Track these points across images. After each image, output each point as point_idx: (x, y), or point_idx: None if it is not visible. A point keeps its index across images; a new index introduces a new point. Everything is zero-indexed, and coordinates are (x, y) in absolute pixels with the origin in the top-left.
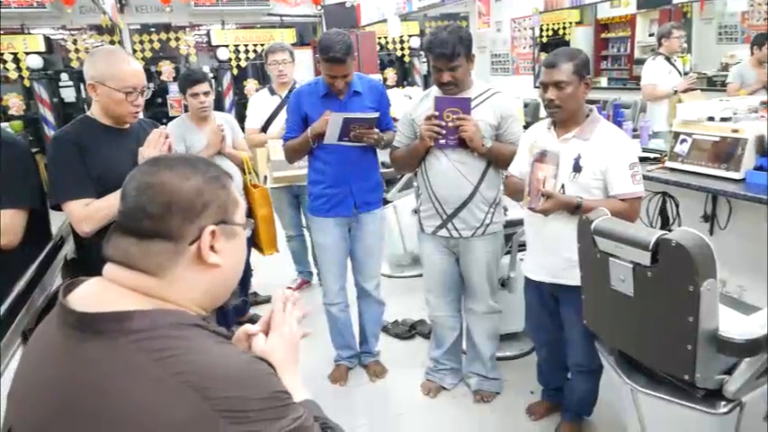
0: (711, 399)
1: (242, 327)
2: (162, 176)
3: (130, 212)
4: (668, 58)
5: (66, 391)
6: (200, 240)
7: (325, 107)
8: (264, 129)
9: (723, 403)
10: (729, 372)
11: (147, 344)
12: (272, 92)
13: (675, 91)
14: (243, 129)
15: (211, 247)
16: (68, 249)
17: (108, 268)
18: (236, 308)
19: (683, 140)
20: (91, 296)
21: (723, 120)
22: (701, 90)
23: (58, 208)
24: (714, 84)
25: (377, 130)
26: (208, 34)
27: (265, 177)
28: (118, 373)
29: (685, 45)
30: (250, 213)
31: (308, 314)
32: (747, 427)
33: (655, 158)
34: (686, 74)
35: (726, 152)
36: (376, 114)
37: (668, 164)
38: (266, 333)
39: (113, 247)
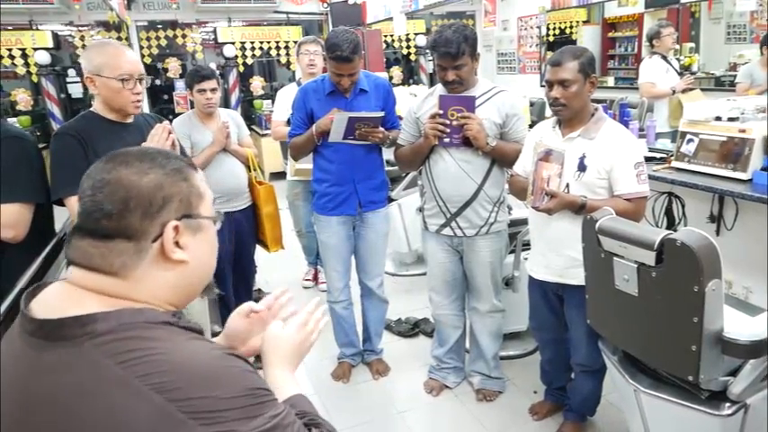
0: (715, 400)
1: (248, 302)
2: (118, 172)
3: (88, 212)
4: (665, 57)
5: (30, 402)
6: (163, 237)
7: (331, 105)
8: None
9: (727, 405)
10: (734, 373)
11: (112, 347)
12: (300, 85)
13: (674, 91)
14: (249, 126)
15: (176, 243)
16: None
17: (71, 272)
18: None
19: (690, 140)
20: (53, 301)
21: (730, 120)
22: (706, 90)
23: (60, 203)
24: (722, 84)
25: (382, 129)
26: (214, 31)
27: (269, 174)
28: (82, 380)
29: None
30: (255, 210)
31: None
32: (752, 429)
33: (661, 158)
34: (684, 73)
35: (733, 152)
36: (381, 114)
37: (674, 164)
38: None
39: (74, 250)
